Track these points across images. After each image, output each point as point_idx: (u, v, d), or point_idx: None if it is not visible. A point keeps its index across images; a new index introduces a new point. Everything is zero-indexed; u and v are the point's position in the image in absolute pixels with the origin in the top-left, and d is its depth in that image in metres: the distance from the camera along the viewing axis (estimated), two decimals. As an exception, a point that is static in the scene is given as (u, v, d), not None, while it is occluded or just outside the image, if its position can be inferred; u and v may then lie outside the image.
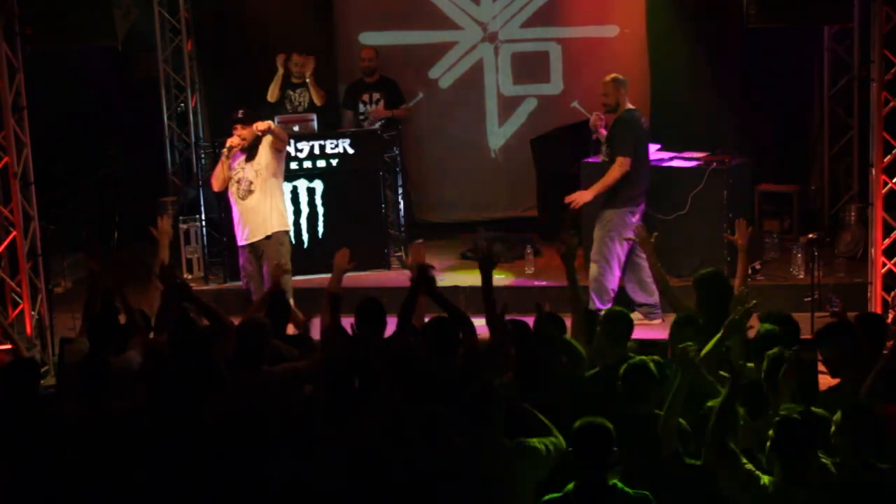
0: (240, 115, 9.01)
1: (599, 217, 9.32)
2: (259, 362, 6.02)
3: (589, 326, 6.68)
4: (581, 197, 9.30)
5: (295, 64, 11.08)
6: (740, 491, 4.90)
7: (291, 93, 11.17)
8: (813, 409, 5.08)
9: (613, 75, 9.41)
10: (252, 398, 5.74)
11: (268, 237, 9.04)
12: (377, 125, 10.94)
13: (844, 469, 4.88)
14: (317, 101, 11.03)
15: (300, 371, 6.10)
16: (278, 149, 9.07)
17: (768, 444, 4.90)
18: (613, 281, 9.32)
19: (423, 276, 6.51)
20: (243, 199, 9.02)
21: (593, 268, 9.29)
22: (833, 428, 4.94)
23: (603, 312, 6.64)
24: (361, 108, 11.24)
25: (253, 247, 9.08)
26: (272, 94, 11.04)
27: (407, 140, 11.33)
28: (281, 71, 11.01)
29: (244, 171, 9.00)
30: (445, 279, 10.30)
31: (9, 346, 9.02)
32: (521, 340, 6.12)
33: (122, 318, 6.84)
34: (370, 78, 11.26)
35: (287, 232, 9.27)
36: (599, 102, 9.42)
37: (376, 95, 11.24)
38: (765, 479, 4.88)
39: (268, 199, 9.02)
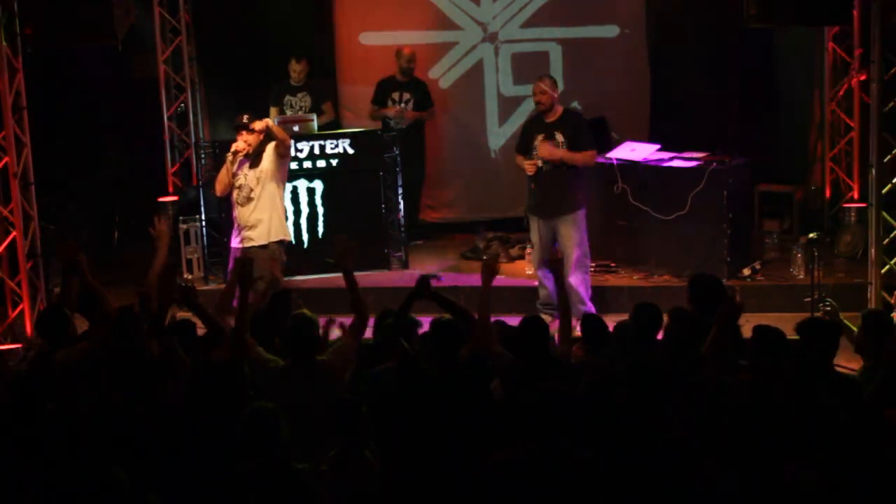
0: (245, 121, 8.91)
1: (570, 220, 9.18)
2: (312, 353, 6.06)
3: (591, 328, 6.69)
4: (555, 152, 9.11)
5: (293, 70, 11.11)
6: None
7: (291, 98, 11.17)
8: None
9: (548, 74, 9.44)
10: (310, 389, 5.83)
11: (264, 246, 8.89)
12: (402, 124, 10.93)
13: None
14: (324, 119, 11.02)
15: (349, 351, 6.15)
16: (281, 154, 8.91)
17: None
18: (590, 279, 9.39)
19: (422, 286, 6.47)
20: (242, 205, 8.93)
21: (578, 274, 9.18)
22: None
23: (635, 309, 6.50)
24: (389, 104, 11.25)
25: (245, 251, 8.97)
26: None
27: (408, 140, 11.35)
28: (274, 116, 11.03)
29: (246, 177, 8.90)
30: (445, 279, 10.31)
31: (13, 346, 9.04)
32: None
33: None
34: (404, 77, 11.27)
35: (283, 241, 9.00)
36: (536, 100, 9.25)
37: (406, 95, 11.24)
38: None
39: (268, 208, 8.86)
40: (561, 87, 11.50)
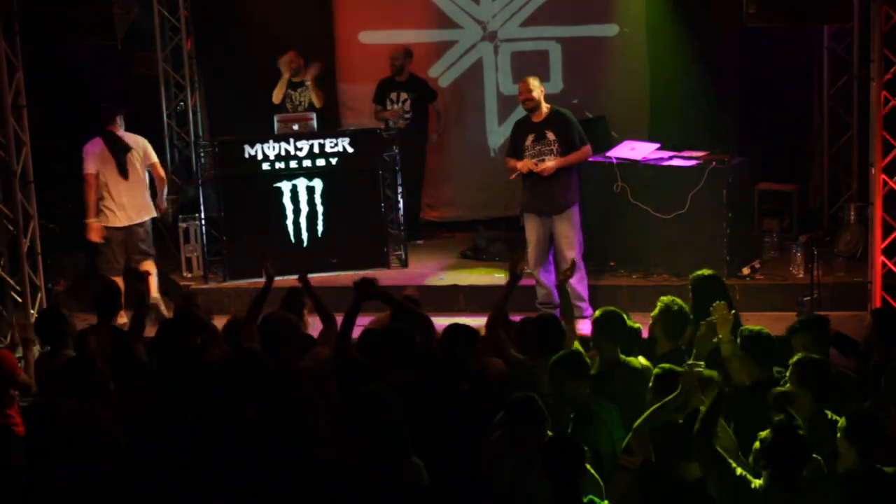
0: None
1: (566, 217, 9.21)
2: (286, 355, 6.09)
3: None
4: (550, 167, 9.17)
5: (290, 61, 11.12)
6: (731, 495, 4.88)
7: (292, 92, 11.19)
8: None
9: (532, 74, 9.45)
10: (283, 390, 5.88)
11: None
12: (400, 124, 10.97)
13: (848, 471, 4.89)
14: (316, 104, 11.06)
15: (322, 357, 6.20)
16: None
17: (756, 447, 4.90)
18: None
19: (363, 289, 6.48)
20: None
21: (578, 274, 9.14)
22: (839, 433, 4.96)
23: (599, 313, 6.56)
24: (388, 105, 11.26)
25: None
26: (277, 97, 11.08)
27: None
28: (287, 75, 11.06)
29: None
30: (445, 278, 10.31)
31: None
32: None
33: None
34: (400, 77, 11.28)
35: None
36: (523, 99, 9.31)
37: (403, 95, 11.26)
38: (756, 482, 4.86)
39: None
40: (560, 86, 11.62)
